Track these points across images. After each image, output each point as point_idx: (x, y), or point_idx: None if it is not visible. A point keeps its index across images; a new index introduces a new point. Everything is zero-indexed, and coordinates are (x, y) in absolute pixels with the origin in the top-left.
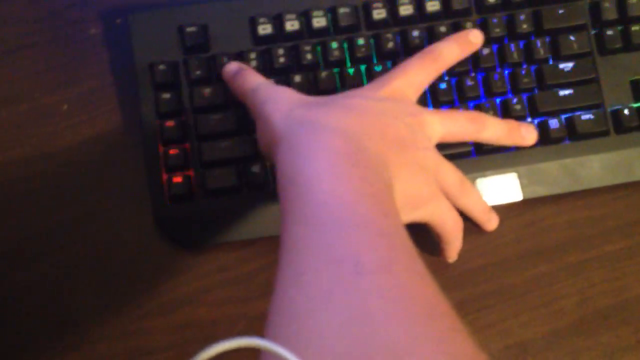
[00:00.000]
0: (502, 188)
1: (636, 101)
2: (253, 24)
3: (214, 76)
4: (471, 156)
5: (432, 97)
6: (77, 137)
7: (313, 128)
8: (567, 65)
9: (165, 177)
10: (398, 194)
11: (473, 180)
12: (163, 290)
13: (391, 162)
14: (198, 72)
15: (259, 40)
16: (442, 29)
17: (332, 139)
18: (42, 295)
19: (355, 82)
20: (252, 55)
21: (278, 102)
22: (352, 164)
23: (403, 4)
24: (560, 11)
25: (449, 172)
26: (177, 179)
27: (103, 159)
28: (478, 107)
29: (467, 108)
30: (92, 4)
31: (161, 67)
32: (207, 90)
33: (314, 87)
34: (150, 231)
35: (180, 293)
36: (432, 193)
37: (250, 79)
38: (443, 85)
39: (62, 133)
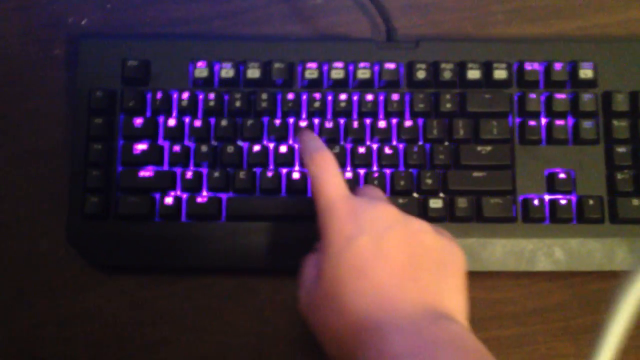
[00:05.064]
0: None
1: (549, 192)
2: (191, 65)
3: (146, 109)
4: None
5: (351, 161)
6: (17, 149)
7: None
8: (484, 149)
9: (83, 195)
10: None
11: None
12: (62, 303)
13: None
14: (131, 103)
15: (195, 81)
16: (370, 97)
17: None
18: None
19: (280, 134)
20: (184, 95)
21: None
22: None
23: (336, 69)
24: (487, 96)
25: None
26: (93, 199)
27: (33, 172)
28: (394, 175)
29: (383, 174)
30: (64, 27)
31: (98, 93)
32: (136, 121)
33: (240, 134)
34: (62, 245)
35: (78, 308)
36: None
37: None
38: (362, 150)
39: (4, 142)
